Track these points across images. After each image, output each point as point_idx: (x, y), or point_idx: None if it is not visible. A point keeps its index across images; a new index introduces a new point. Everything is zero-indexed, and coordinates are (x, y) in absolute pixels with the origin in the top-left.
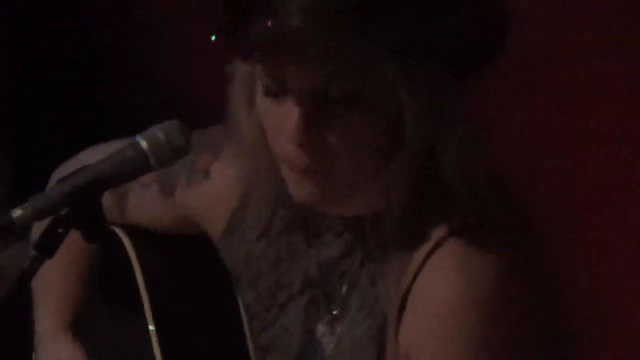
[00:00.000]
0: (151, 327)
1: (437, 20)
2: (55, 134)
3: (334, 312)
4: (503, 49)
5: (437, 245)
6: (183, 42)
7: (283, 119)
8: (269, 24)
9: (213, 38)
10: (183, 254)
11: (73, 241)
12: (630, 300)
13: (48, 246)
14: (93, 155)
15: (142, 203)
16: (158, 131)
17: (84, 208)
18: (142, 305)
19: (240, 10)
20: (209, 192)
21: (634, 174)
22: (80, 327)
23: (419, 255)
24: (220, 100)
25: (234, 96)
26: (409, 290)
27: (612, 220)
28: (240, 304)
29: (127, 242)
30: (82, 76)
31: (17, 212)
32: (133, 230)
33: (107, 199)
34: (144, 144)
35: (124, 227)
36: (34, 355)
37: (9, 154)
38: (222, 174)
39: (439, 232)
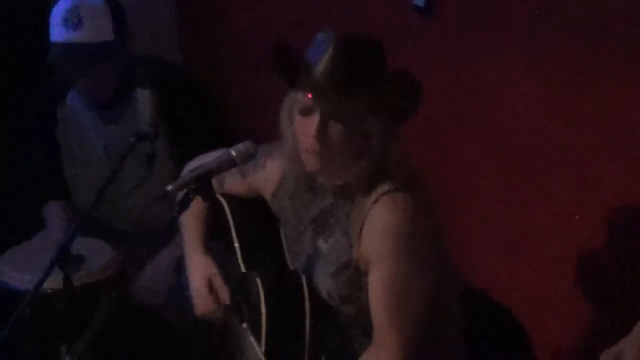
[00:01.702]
0: (236, 244)
1: (386, 96)
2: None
3: (327, 234)
4: (417, 109)
5: (377, 199)
6: (256, 93)
7: (308, 125)
8: (309, 80)
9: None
10: (253, 207)
11: (200, 204)
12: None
13: (184, 204)
14: (207, 158)
15: (232, 183)
16: (241, 146)
17: (202, 185)
18: (232, 234)
19: (294, 75)
20: (265, 176)
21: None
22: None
23: (368, 204)
24: (272, 129)
25: (282, 119)
26: (363, 222)
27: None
28: (281, 232)
29: (224, 202)
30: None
31: (169, 187)
32: (227, 196)
33: (214, 180)
34: (233, 153)
35: (222, 194)
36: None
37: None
38: (272, 166)
39: (378, 193)
